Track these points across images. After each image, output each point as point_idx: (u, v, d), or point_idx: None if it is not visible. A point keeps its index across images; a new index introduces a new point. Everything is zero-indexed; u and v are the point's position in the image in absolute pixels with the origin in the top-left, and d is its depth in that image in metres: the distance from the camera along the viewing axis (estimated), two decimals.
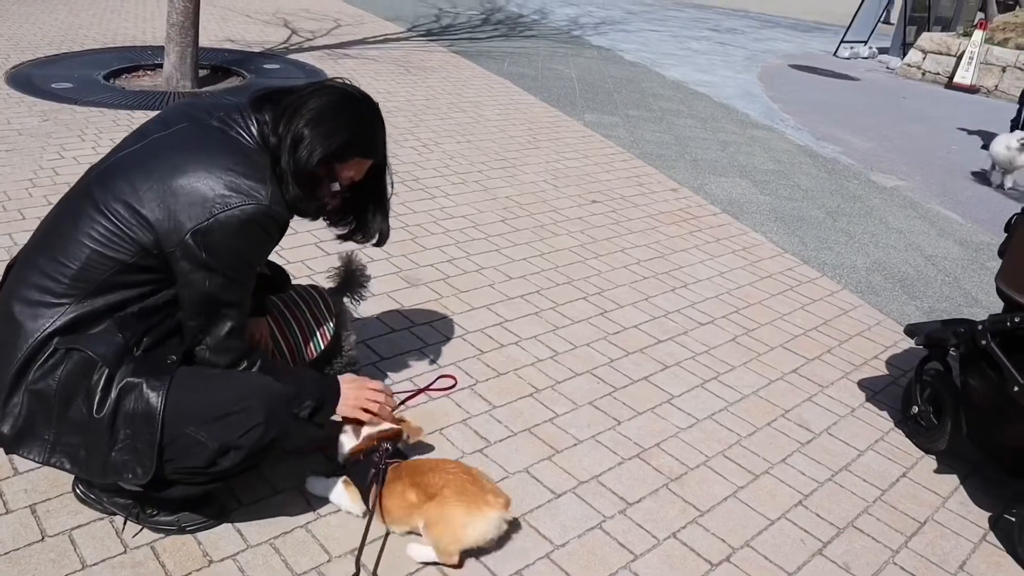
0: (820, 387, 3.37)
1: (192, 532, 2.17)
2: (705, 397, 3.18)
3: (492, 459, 2.63)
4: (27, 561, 2.03)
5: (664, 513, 2.52)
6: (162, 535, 2.15)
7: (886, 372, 3.57)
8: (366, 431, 2.31)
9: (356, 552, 2.13)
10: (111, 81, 6.60)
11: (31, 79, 6.29)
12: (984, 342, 2.69)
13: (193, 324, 2.03)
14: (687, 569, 2.31)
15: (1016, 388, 2.54)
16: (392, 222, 4.20)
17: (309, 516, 2.29)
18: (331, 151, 2.07)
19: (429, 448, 2.62)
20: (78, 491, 2.21)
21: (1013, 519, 2.54)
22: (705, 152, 6.69)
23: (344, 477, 2.30)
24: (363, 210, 2.33)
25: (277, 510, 2.29)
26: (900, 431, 3.13)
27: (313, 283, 2.80)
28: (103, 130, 5.24)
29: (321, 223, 2.34)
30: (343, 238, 2.39)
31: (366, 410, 2.30)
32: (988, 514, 2.74)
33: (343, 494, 2.30)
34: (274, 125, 2.05)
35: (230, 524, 2.22)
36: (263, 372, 2.13)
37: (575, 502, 2.50)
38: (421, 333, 3.31)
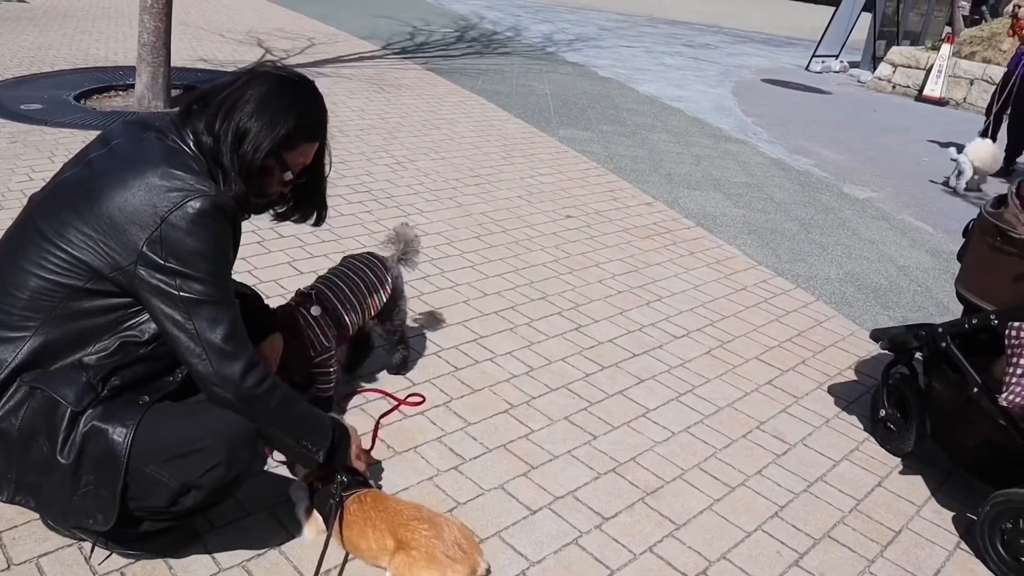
0: (795, 398, 3.38)
1: (163, 556, 2.14)
2: (680, 410, 3.18)
3: (467, 476, 2.62)
4: None
5: (640, 527, 2.51)
6: (132, 560, 2.11)
7: (860, 382, 3.59)
8: None
9: None
10: (82, 102, 6.55)
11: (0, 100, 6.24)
12: (944, 344, 2.76)
13: (184, 343, 1.88)
14: None
15: (975, 389, 2.60)
16: (365, 240, 4.24)
17: (282, 537, 2.26)
18: (278, 141, 2.00)
19: (394, 468, 2.61)
20: (47, 520, 2.16)
21: (975, 518, 2.58)
22: (679, 166, 6.73)
23: (305, 503, 2.29)
24: (303, 191, 2.24)
25: (249, 532, 2.26)
26: (875, 440, 3.14)
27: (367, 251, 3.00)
28: (73, 151, 5.10)
29: (265, 221, 2.31)
30: (279, 218, 2.30)
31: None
32: (962, 521, 2.76)
33: (302, 514, 2.29)
34: (208, 124, 1.97)
35: (201, 546, 2.19)
36: (280, 394, 2.02)
37: (551, 518, 2.49)
38: None
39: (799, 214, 5.88)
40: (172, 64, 6.68)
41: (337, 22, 12.08)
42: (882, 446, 3.12)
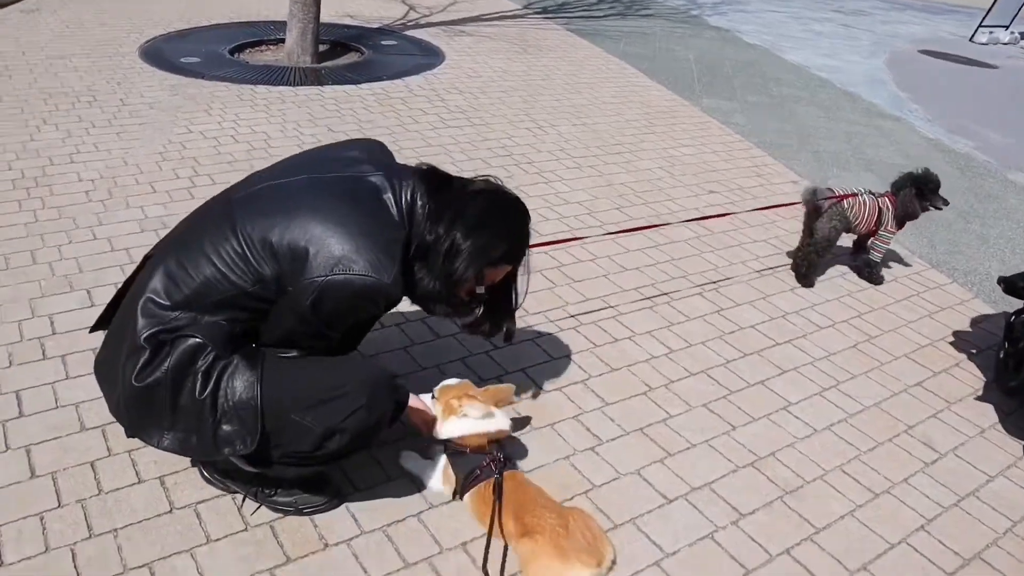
0: (947, 403, 3.20)
1: (309, 514, 2.22)
2: (823, 406, 3.06)
3: (603, 458, 2.61)
4: (157, 531, 2.12)
5: (778, 527, 2.44)
6: (280, 515, 2.21)
7: None
8: (475, 426, 2.30)
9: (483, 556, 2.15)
10: (235, 55, 6.79)
11: (162, 53, 6.54)
12: None
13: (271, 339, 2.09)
14: None
15: None
16: None
17: (422, 505, 2.32)
18: (487, 263, 2.15)
19: (531, 443, 2.62)
20: (203, 474, 2.29)
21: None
22: (828, 143, 6.43)
23: (445, 460, 2.32)
24: (493, 306, 2.38)
25: (391, 497, 2.32)
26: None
27: None
28: (228, 105, 5.39)
29: None
30: (469, 329, 2.45)
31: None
32: None
33: (439, 474, 2.33)
34: (435, 218, 2.10)
35: (345, 508, 2.27)
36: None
37: (687, 509, 2.45)
38: (534, 322, 3.30)
39: (958, 202, 5.51)
40: (320, 19, 6.82)
41: None
42: (996, 384, 3.29)
